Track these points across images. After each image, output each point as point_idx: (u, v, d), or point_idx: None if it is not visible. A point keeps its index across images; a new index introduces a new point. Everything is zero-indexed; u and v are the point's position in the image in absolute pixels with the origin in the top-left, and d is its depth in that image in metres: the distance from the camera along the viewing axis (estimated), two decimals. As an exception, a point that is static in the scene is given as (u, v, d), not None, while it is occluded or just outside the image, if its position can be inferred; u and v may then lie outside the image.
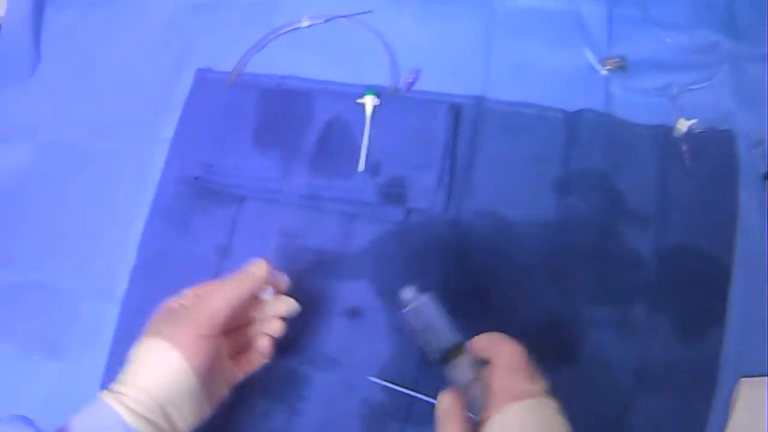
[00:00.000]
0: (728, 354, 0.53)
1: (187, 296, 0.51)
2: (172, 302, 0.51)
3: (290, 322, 0.51)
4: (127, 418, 0.42)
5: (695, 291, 0.55)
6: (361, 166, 0.58)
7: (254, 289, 0.49)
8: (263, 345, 0.51)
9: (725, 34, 0.62)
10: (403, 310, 0.46)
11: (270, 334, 0.51)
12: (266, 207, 0.60)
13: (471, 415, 0.42)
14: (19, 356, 0.62)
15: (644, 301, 0.54)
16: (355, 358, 0.55)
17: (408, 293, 0.46)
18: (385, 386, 0.54)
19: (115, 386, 0.45)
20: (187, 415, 0.45)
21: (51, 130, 0.68)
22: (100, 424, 0.43)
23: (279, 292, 0.51)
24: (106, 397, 0.44)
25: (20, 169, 0.67)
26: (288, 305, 0.51)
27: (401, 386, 0.52)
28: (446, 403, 0.43)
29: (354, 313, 0.56)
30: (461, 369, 0.43)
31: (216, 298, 0.47)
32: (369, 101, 0.59)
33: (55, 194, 0.66)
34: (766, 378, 0.53)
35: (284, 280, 0.51)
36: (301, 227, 0.59)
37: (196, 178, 0.60)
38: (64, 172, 0.67)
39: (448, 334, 0.44)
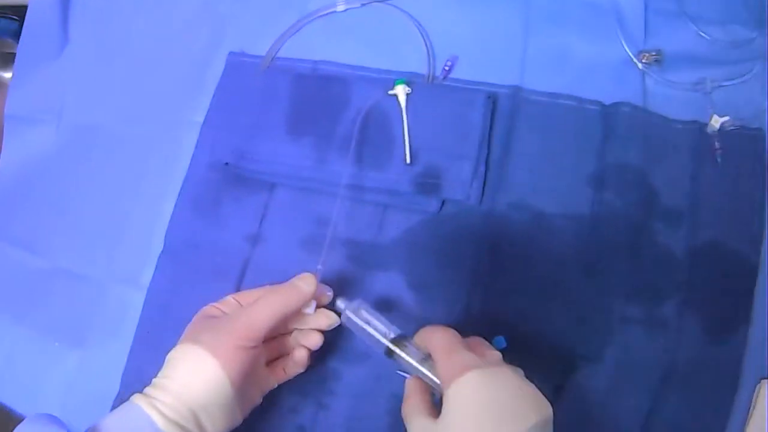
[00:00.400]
0: (751, 354, 0.53)
1: (228, 302, 0.51)
2: (213, 307, 0.51)
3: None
4: (160, 422, 0.43)
5: (725, 290, 0.54)
6: (408, 158, 0.56)
7: (299, 304, 0.48)
8: (300, 356, 0.51)
9: (759, 32, 0.61)
10: (341, 319, 0.50)
11: (307, 346, 0.51)
12: (298, 195, 0.59)
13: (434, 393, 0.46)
14: (41, 343, 0.61)
15: (675, 300, 0.54)
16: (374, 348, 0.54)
17: (340, 304, 0.50)
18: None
19: (149, 390, 0.45)
20: (218, 422, 0.45)
21: (78, 113, 0.67)
22: (132, 426, 0.43)
23: (321, 305, 0.51)
24: (139, 400, 0.44)
25: (46, 152, 0.67)
26: (329, 320, 0.51)
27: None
28: (410, 385, 0.47)
29: (385, 305, 0.56)
30: (405, 359, 0.47)
31: (259, 310, 0.47)
32: (401, 92, 0.58)
33: (82, 178, 0.65)
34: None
35: (328, 295, 0.51)
36: (333, 216, 0.58)
37: (226, 164, 0.59)
38: (91, 156, 0.66)
39: (384, 331, 0.48)
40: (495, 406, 0.40)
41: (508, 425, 0.40)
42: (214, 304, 0.51)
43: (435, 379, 0.45)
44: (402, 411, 0.46)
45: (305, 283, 0.48)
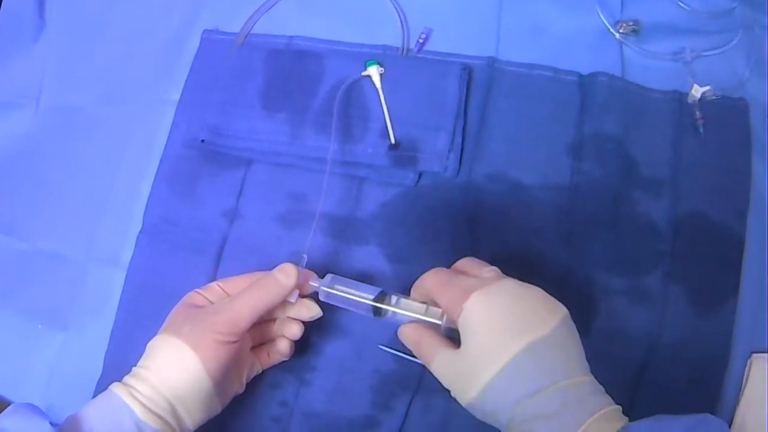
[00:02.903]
0: (741, 328, 0.52)
1: (213, 289, 0.51)
2: (197, 294, 0.51)
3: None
4: (139, 412, 0.43)
5: (710, 261, 0.54)
6: (391, 138, 0.56)
7: (280, 297, 0.48)
8: (282, 346, 0.51)
9: (740, 2, 0.61)
10: (321, 299, 0.50)
11: (288, 336, 0.51)
12: (274, 170, 0.59)
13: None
14: (25, 326, 0.61)
15: (659, 271, 0.53)
16: (365, 326, 0.54)
17: (314, 283, 0.50)
18: (396, 355, 0.53)
19: (128, 379, 0.45)
20: (195, 414, 0.45)
21: (56, 95, 0.67)
22: (112, 416, 0.43)
23: (304, 294, 0.51)
24: (119, 390, 0.44)
25: (25, 134, 0.67)
26: (311, 311, 0.51)
27: (412, 355, 0.51)
28: (411, 330, 0.46)
29: (363, 279, 0.55)
30: (394, 311, 0.47)
31: (240, 305, 0.47)
32: (374, 72, 0.57)
33: (60, 160, 0.65)
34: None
35: (312, 284, 0.50)
36: (309, 191, 0.58)
37: (202, 141, 0.59)
38: (70, 137, 0.66)
39: (364, 294, 0.49)
40: (509, 319, 0.41)
41: (527, 333, 0.40)
42: (199, 290, 0.51)
43: (430, 319, 0.46)
44: (419, 355, 0.46)
45: (285, 276, 0.48)
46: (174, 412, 0.44)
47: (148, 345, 0.47)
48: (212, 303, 0.50)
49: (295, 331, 0.50)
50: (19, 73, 0.69)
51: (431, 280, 0.46)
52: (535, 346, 0.39)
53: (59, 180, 0.65)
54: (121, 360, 0.56)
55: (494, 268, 0.46)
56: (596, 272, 0.54)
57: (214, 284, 0.51)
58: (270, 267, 0.50)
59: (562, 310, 0.42)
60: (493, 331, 0.40)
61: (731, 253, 0.54)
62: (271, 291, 0.48)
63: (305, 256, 0.50)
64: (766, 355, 0.52)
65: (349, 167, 0.57)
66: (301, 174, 0.58)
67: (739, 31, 0.60)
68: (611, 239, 0.54)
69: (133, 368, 0.46)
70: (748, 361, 0.52)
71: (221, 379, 0.46)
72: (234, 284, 0.51)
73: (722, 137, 0.56)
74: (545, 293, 0.43)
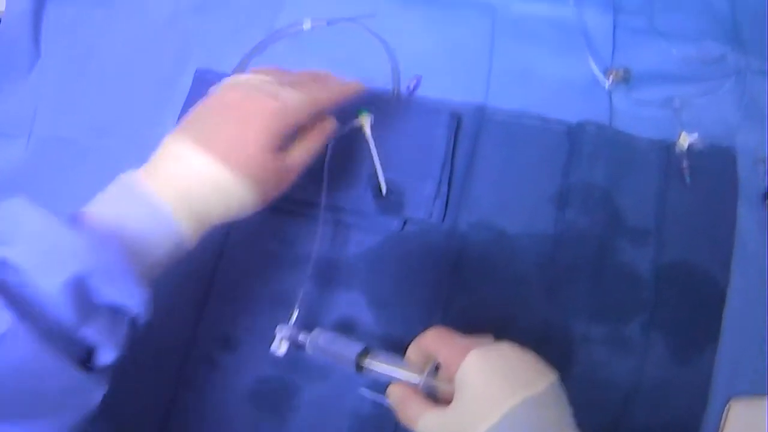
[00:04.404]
0: (720, 374, 0.53)
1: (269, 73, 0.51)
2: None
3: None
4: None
5: (692, 310, 0.54)
6: (383, 188, 0.56)
7: (341, 99, 0.51)
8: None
9: (731, 47, 0.61)
10: (307, 352, 0.50)
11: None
12: (261, 213, 0.59)
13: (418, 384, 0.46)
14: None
15: (640, 320, 0.54)
16: (346, 369, 0.55)
17: (300, 337, 0.51)
18: (375, 401, 0.54)
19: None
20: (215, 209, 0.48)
21: (49, 127, 0.67)
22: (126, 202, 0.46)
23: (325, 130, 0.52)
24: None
25: (17, 165, 0.66)
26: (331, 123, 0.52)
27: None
28: (397, 392, 0.46)
29: (345, 324, 0.56)
30: (377, 367, 0.48)
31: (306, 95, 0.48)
32: (365, 121, 0.56)
33: (53, 192, 0.65)
34: (758, 399, 0.52)
35: (298, 340, 0.51)
36: (295, 234, 0.58)
37: (191, 181, 0.59)
38: (62, 170, 0.65)
39: (348, 349, 0.49)
40: (505, 376, 0.42)
41: (523, 390, 0.41)
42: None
43: (411, 377, 0.46)
44: (403, 419, 0.46)
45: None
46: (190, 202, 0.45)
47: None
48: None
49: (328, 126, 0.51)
50: (12, 103, 0.69)
51: (431, 337, 0.47)
52: (530, 402, 0.40)
53: (51, 211, 0.65)
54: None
55: (489, 335, 0.47)
56: (577, 320, 0.54)
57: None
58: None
59: (554, 374, 0.43)
60: (490, 386, 0.41)
61: (712, 302, 0.54)
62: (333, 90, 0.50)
63: (297, 310, 0.51)
64: (744, 399, 0.52)
65: (334, 212, 0.57)
66: (287, 218, 0.58)
67: (731, 77, 0.60)
68: (593, 288, 0.55)
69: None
70: (726, 407, 0.52)
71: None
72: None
73: (709, 187, 0.57)
74: (538, 357, 0.44)
